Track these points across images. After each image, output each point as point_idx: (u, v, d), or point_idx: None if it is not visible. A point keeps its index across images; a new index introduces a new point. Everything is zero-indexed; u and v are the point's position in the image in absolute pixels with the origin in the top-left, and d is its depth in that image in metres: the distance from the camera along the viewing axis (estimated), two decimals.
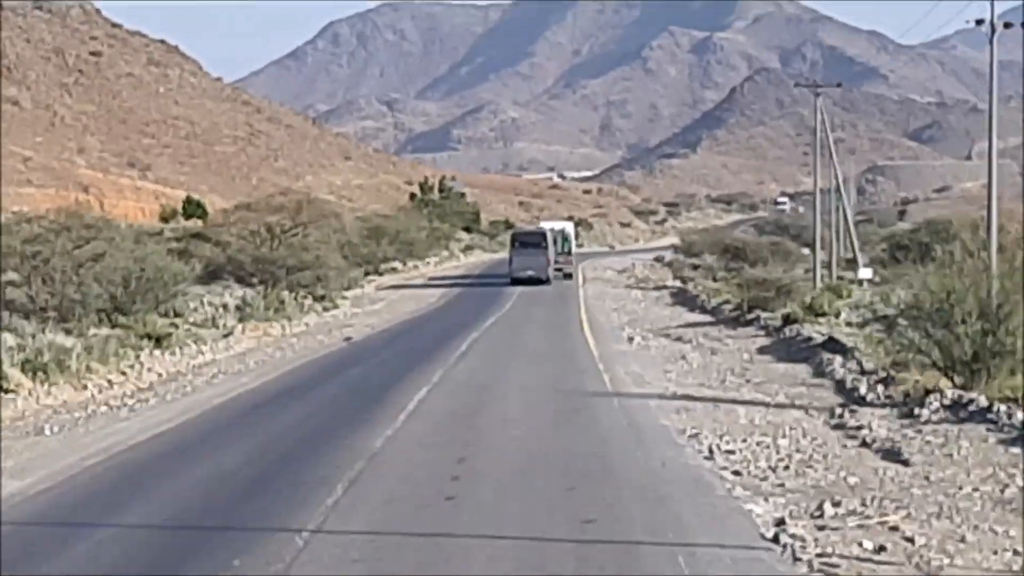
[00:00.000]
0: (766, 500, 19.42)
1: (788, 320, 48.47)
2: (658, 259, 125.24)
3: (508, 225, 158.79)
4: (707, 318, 61.25)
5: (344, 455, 22.60)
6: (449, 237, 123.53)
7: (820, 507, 18.87)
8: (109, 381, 35.14)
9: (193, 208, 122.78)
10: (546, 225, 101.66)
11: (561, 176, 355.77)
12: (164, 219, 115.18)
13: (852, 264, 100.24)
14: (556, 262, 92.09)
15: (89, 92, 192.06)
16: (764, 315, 52.88)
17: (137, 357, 39.34)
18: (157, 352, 41.51)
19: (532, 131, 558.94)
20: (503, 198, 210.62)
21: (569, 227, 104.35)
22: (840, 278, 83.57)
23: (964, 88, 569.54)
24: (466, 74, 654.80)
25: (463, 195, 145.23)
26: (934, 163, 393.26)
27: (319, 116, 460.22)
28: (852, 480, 21.27)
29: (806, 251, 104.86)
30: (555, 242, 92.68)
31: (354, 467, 21.43)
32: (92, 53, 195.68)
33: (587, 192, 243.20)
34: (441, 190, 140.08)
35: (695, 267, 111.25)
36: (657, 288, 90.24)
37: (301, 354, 44.84)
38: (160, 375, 38.14)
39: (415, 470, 21.44)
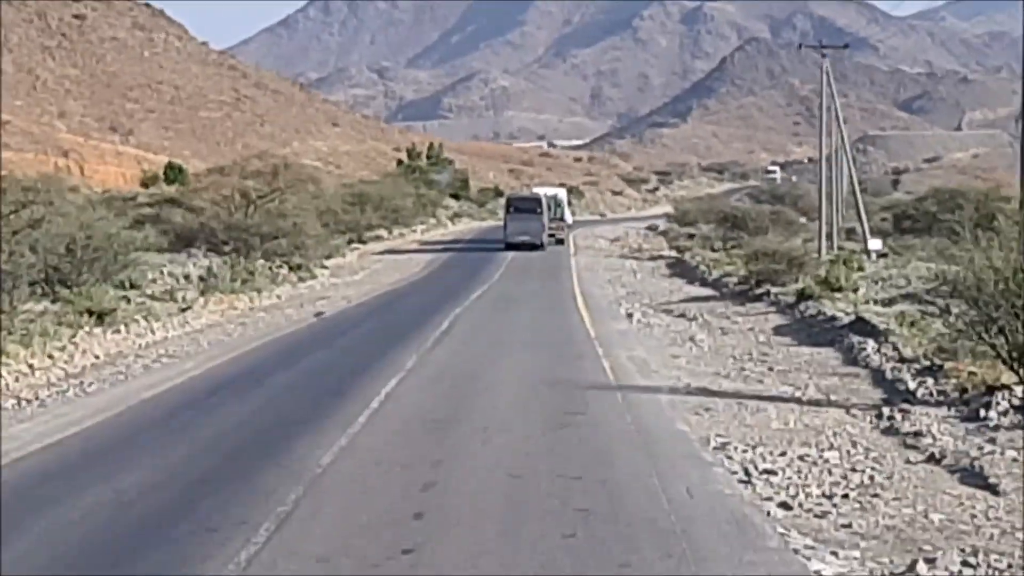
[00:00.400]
0: (835, 554, 14.20)
1: (802, 296, 43.24)
2: (651, 228, 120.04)
3: (497, 193, 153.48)
4: (710, 292, 56.06)
5: (277, 480, 17.31)
6: (436, 204, 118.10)
7: (912, 568, 13.68)
8: (30, 366, 29.81)
9: (175, 174, 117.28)
10: (539, 191, 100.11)
11: (551, 144, 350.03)
12: (145, 184, 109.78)
13: (852, 235, 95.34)
14: (550, 228, 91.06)
15: (72, 56, 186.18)
16: (774, 290, 47.59)
17: (72, 337, 34.06)
18: (99, 330, 36.19)
19: (522, 100, 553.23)
20: (493, 165, 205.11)
21: (562, 193, 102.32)
22: (842, 248, 78.51)
23: (953, 59, 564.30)
24: (457, 42, 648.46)
25: (451, 162, 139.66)
26: (924, 133, 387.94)
27: (310, 84, 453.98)
28: (936, 517, 16.08)
29: (804, 220, 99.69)
30: (549, 208, 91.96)
31: (287, 499, 16.17)
32: (75, 16, 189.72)
33: (578, 160, 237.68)
34: (429, 156, 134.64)
35: (691, 236, 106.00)
36: (652, 258, 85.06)
37: (264, 331, 39.53)
38: (97, 358, 32.78)
39: (367, 504, 16.16)
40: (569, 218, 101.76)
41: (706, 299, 52.29)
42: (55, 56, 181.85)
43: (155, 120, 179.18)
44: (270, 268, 63.52)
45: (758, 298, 47.94)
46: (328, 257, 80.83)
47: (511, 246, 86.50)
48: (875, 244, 67.72)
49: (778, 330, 38.26)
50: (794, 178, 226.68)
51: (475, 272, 70.40)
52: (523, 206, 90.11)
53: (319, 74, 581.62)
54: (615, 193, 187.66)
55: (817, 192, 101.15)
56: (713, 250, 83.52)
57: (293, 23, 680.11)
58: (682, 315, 44.75)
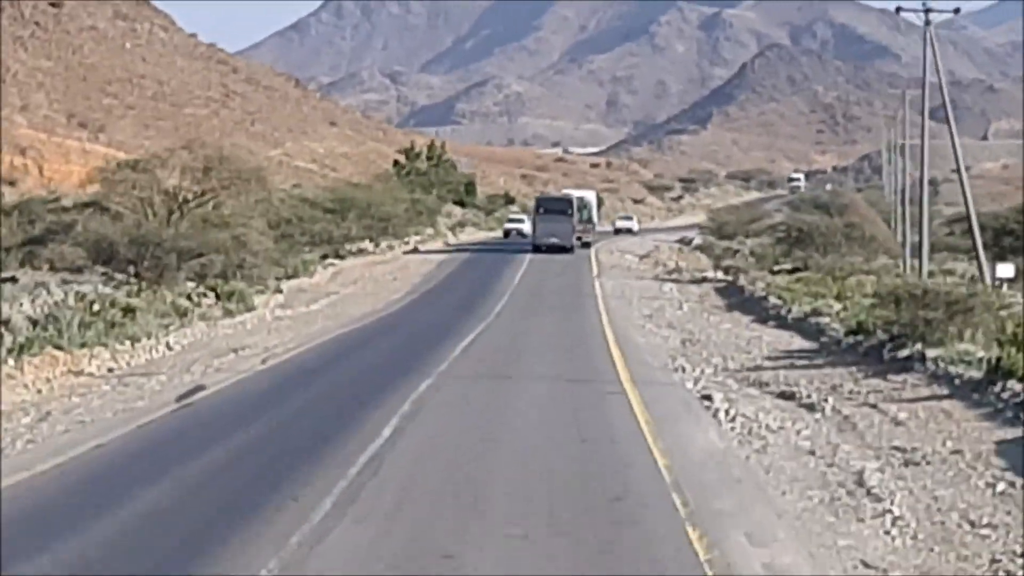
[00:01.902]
0: None
1: (997, 368, 25.53)
2: (684, 241, 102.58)
3: (508, 199, 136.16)
4: (801, 342, 38.52)
5: None
6: (434, 211, 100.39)
7: None
8: None
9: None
10: (575, 194, 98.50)
11: (566, 151, 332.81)
12: (83, 185, 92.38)
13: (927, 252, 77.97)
14: (577, 231, 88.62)
15: (46, 47, 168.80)
16: (931, 352, 29.73)
17: None
18: None
19: (537, 106, 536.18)
20: (504, 171, 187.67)
21: (590, 196, 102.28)
22: (948, 272, 61.08)
23: (975, 68, 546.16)
24: (471, 48, 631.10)
25: (455, 164, 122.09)
26: (948, 142, 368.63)
27: (321, 88, 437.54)
28: None
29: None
30: (578, 210, 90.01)
31: None
32: (51, 4, 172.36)
33: (595, 166, 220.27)
34: (430, 157, 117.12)
35: (733, 252, 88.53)
36: (695, 281, 67.53)
37: (45, 449, 21.40)
38: None
39: None
40: (596, 221, 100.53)
41: (802, 355, 34.71)
42: (27, 47, 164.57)
43: (134, 117, 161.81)
44: (189, 297, 46.08)
45: (902, 364, 30.11)
46: (290, 277, 63.69)
47: (539, 248, 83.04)
48: (1006, 270, 49.93)
49: (1004, 452, 20.35)
50: (828, 186, 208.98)
51: (471, 301, 53.15)
52: (553, 207, 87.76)
53: (331, 78, 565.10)
54: (636, 201, 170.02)
55: (895, 200, 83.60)
56: (772, 271, 65.93)
57: (305, 27, 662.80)
58: (790, 396, 27.19)
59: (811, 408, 25.58)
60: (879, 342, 32.54)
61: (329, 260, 75.19)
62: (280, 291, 57.39)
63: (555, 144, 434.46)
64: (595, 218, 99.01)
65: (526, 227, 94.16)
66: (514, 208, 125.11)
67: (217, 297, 47.49)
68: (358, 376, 29.84)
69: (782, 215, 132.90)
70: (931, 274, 58.10)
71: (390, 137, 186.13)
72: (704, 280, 67.60)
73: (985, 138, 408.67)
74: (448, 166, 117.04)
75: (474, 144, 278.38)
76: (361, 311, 50.10)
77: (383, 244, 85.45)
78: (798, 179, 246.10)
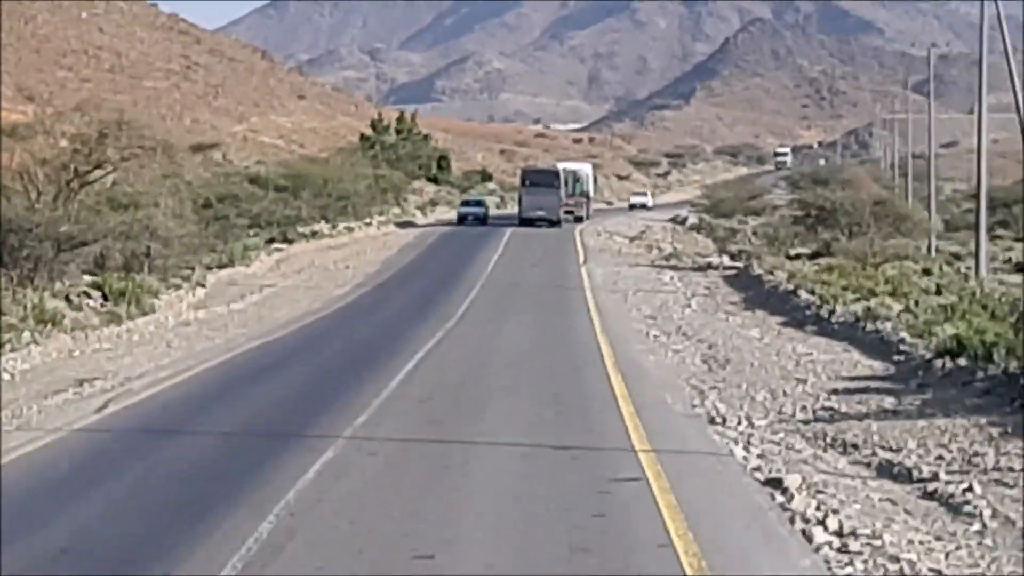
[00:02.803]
0: None
1: None
2: (676, 220, 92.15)
3: (485, 176, 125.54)
4: (870, 362, 27.94)
5: None
6: (400, 188, 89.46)
7: None
8: None
9: None
10: (561, 166, 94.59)
11: (547, 128, 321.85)
12: None
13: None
14: (567, 204, 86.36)
15: None
16: None
17: None
18: None
19: (518, 83, 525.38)
20: (483, 146, 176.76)
21: (585, 168, 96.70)
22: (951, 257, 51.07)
23: (961, 43, 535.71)
24: (451, 24, 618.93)
25: (426, 136, 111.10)
26: (941, 117, 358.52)
27: (300, 66, 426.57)
28: None
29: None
30: (566, 183, 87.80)
31: None
32: None
33: (577, 141, 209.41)
34: (399, 131, 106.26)
35: (732, 232, 78.34)
36: (698, 268, 57.07)
37: None
38: None
39: None
40: (592, 194, 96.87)
41: (883, 388, 24.19)
42: None
43: (90, 91, 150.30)
44: (68, 298, 35.57)
45: None
46: (223, 266, 53.39)
47: (526, 221, 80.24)
48: None
49: None
50: (823, 160, 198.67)
51: (430, 298, 42.79)
52: (539, 180, 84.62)
53: (310, 56, 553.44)
54: (622, 177, 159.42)
55: (929, 176, 73.43)
56: (789, 256, 55.56)
57: (283, 4, 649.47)
58: (905, 475, 16.73)
59: (954, 508, 15.13)
60: (1006, 373, 22.03)
61: (276, 245, 64.79)
62: (202, 285, 46.92)
63: (536, 121, 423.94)
64: (591, 192, 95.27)
65: (483, 211, 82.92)
66: (490, 186, 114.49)
67: (105, 297, 36.97)
68: (260, 414, 19.47)
69: (782, 191, 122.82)
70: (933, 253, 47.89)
71: (363, 112, 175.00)
72: (709, 267, 57.10)
73: (971, 112, 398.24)
74: (419, 139, 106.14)
75: (452, 119, 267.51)
76: (292, 312, 39.59)
77: (341, 225, 74.78)
78: (785, 153, 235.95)
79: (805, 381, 25.16)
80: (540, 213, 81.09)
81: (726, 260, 59.16)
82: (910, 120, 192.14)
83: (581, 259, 60.25)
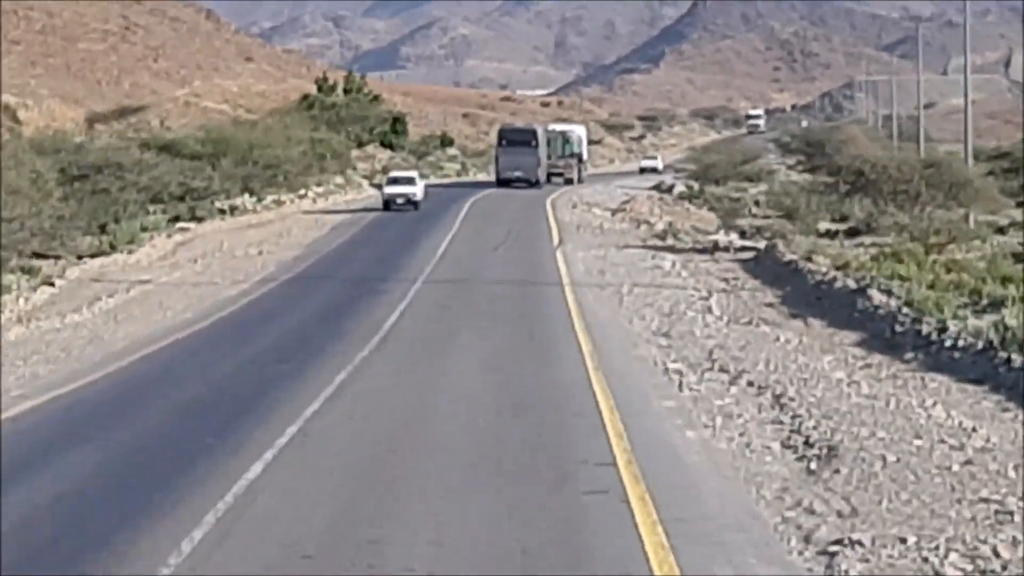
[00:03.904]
0: None
1: None
2: (661, 188, 79.63)
3: (445, 141, 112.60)
4: None
5: None
6: (342, 155, 76.15)
7: None
8: None
9: None
10: (555, 128, 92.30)
11: (513, 93, 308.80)
12: None
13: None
14: (556, 166, 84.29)
15: None
16: None
17: None
18: None
19: (483, 49, 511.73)
20: (445, 110, 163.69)
21: (577, 130, 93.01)
22: None
23: (932, 3, 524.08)
24: None
25: (376, 97, 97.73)
26: (917, 79, 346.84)
27: (263, 33, 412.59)
28: None
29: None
30: (554, 143, 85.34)
31: None
32: None
33: (545, 105, 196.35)
34: (347, 90, 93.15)
35: (733, 201, 65.90)
36: (703, 250, 44.54)
37: None
38: None
39: None
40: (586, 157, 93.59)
41: None
42: None
43: (20, 54, 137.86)
44: None
45: None
46: (98, 255, 41.01)
47: (503, 182, 77.44)
48: None
49: None
50: (804, 122, 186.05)
51: (351, 303, 30.10)
52: (516, 138, 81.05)
53: (273, 23, 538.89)
54: (593, 142, 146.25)
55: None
56: (825, 234, 43.05)
57: None
58: None
59: None
60: None
61: (181, 224, 52.15)
62: (50, 283, 34.30)
63: (503, 87, 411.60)
64: (584, 154, 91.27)
65: (417, 191, 61.43)
66: (451, 151, 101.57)
67: None
68: None
69: (773, 155, 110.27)
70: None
71: (315, 74, 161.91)
72: (716, 248, 44.55)
73: (945, 73, 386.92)
74: (367, 100, 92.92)
75: (414, 84, 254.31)
76: (143, 331, 27.08)
77: (269, 199, 61.99)
78: (758, 116, 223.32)
79: (983, 496, 12.64)
80: (517, 174, 77.65)
81: (736, 239, 46.68)
82: (893, 82, 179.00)
83: (555, 239, 47.54)
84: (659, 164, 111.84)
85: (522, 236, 48.55)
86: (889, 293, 28.07)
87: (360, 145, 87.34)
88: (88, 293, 34.07)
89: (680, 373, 21.58)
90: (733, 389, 20.07)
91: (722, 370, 21.90)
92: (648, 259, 41.83)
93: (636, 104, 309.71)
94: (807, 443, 15.96)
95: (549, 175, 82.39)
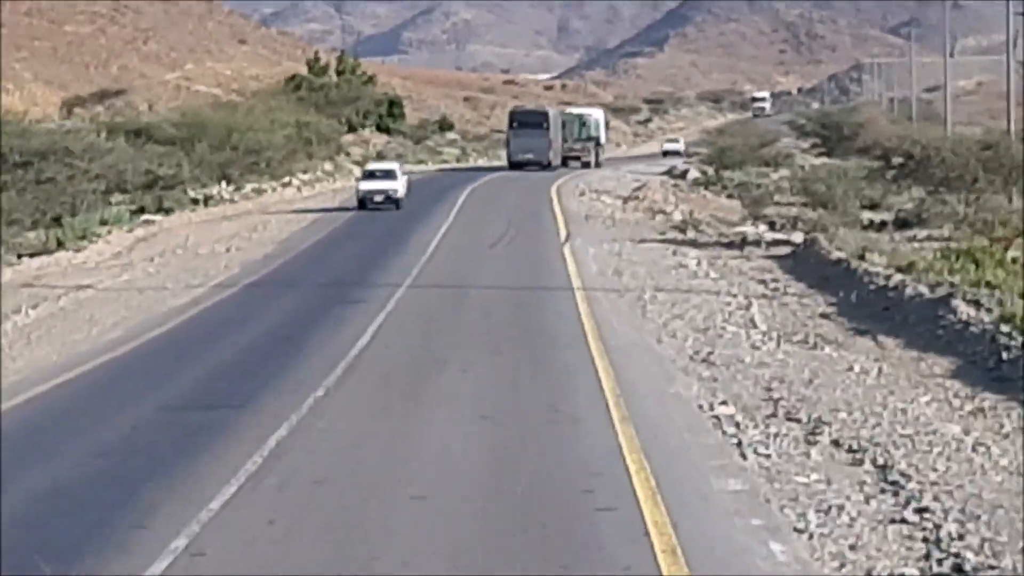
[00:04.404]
0: None
1: None
2: (673, 174, 73.96)
3: (444, 126, 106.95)
4: None
5: None
6: (330, 139, 70.26)
7: None
8: None
9: None
10: (572, 111, 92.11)
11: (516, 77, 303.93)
12: None
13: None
14: (572, 149, 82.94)
15: None
16: None
17: None
18: None
19: (486, 33, 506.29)
20: (445, 94, 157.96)
21: (595, 113, 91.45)
22: None
23: None
24: None
25: (371, 78, 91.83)
26: (924, 60, 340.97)
27: (264, 19, 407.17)
28: None
29: None
30: (570, 126, 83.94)
31: None
32: None
33: (549, 88, 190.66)
34: (340, 72, 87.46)
35: (754, 188, 60.18)
36: (730, 244, 38.92)
37: None
38: None
39: None
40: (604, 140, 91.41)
41: None
42: None
43: (4, 38, 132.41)
44: None
45: None
46: (41, 253, 35.56)
47: (515, 165, 76.66)
48: None
49: None
50: (815, 103, 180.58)
51: (309, 317, 24.45)
52: (527, 120, 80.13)
53: (273, 9, 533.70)
54: None
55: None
56: (867, 226, 37.41)
57: None
58: None
59: None
60: None
61: (147, 216, 46.62)
62: None
63: (505, 71, 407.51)
64: (602, 137, 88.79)
65: (398, 186, 50.98)
66: (450, 136, 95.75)
67: None
68: None
69: (789, 138, 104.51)
70: None
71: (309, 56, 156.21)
72: (745, 242, 38.87)
73: (951, 55, 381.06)
74: (359, 81, 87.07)
75: (416, 68, 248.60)
76: (59, 356, 21.41)
77: (249, 187, 56.37)
78: (763, 99, 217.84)
79: None
80: (529, 156, 76.65)
81: (766, 231, 41.00)
82: (912, 60, 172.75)
83: (563, 232, 41.84)
84: (681, 147, 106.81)
85: (524, 229, 42.88)
86: (978, 305, 22.47)
87: (352, 129, 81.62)
88: (12, 303, 28.50)
89: (736, 424, 16.00)
90: (815, 453, 14.48)
91: (791, 418, 16.34)
92: (669, 255, 36.25)
93: (640, 88, 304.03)
94: (960, 572, 10.35)
95: (566, 158, 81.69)
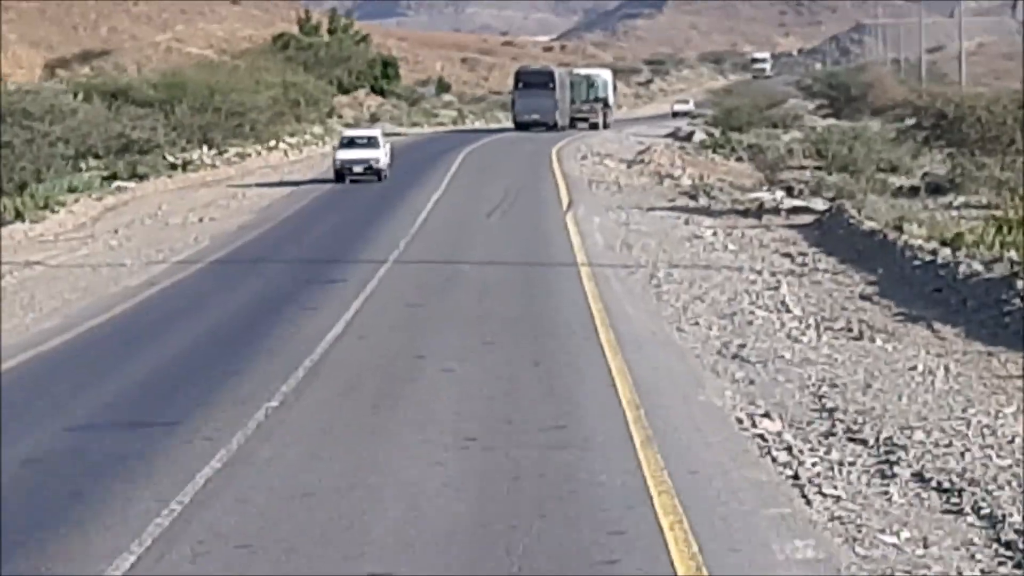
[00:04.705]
0: None
1: None
2: (677, 136, 70.60)
3: (442, 86, 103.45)
4: None
5: None
6: (318, 100, 66.64)
7: None
8: None
9: None
10: (580, 71, 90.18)
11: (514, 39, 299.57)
12: None
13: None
14: (580, 110, 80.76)
15: None
16: None
17: None
18: None
19: None
20: (442, 55, 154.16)
21: (603, 74, 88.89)
22: None
23: None
24: None
25: (364, 38, 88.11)
26: (926, 21, 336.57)
27: None
28: None
29: None
30: (578, 87, 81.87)
31: None
32: None
33: (548, 49, 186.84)
34: (332, 31, 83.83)
35: (760, 151, 56.58)
36: (746, 211, 35.58)
37: None
38: None
39: None
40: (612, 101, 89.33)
41: None
42: None
43: None
44: None
45: None
46: (3, 222, 32.38)
47: (521, 125, 75.04)
48: None
49: None
50: (819, 65, 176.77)
51: (276, 302, 21.02)
52: (533, 80, 78.32)
53: None
54: None
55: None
56: (896, 192, 34.08)
57: None
58: None
59: None
60: None
61: (119, 183, 43.24)
62: None
63: (503, 34, 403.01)
64: (610, 98, 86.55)
65: (380, 155, 45.07)
66: (447, 98, 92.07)
67: None
68: None
69: (797, 101, 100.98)
70: None
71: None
72: (762, 209, 35.49)
73: (951, 16, 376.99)
74: (350, 40, 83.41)
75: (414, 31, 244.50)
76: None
77: (232, 151, 52.94)
78: (763, 60, 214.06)
79: None
80: (535, 116, 74.71)
81: (784, 197, 37.60)
82: (921, 20, 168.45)
83: (564, 200, 38.42)
84: (692, 107, 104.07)
85: (523, 196, 39.49)
86: None
87: (345, 91, 78.08)
88: None
89: (788, 448, 12.68)
90: (895, 493, 11.18)
91: (853, 438, 13.07)
92: (681, 225, 32.96)
93: (639, 49, 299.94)
94: None
95: (573, 120, 79.47)
